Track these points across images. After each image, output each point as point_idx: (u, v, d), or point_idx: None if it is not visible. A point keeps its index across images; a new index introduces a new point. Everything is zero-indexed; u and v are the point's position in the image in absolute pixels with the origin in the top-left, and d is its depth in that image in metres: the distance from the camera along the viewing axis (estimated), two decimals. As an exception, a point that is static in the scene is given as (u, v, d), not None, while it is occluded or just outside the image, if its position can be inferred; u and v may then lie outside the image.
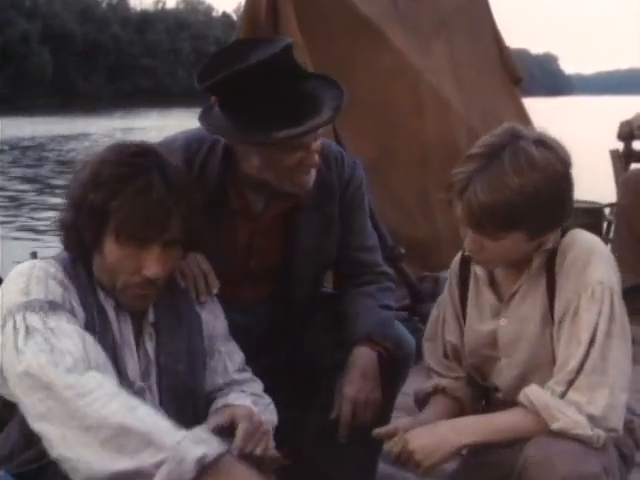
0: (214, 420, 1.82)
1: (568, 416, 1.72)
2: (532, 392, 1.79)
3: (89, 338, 1.62)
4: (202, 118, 2.09)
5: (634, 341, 1.85)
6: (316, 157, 2.10)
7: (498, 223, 1.76)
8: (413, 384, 2.24)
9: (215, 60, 2.05)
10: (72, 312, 1.67)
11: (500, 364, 1.97)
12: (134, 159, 1.73)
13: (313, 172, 2.14)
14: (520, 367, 1.90)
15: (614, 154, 5.33)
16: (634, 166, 5.10)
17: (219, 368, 1.96)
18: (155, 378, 1.82)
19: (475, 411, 2.07)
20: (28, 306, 1.61)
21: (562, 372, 1.77)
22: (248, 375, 2.01)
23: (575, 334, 1.78)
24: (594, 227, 5.11)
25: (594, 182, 6.76)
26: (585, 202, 5.14)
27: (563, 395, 1.75)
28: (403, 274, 4.08)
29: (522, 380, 1.88)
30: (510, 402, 1.90)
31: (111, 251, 1.72)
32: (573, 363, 1.76)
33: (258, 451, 1.75)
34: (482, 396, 2.15)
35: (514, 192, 1.73)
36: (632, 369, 1.82)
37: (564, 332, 1.81)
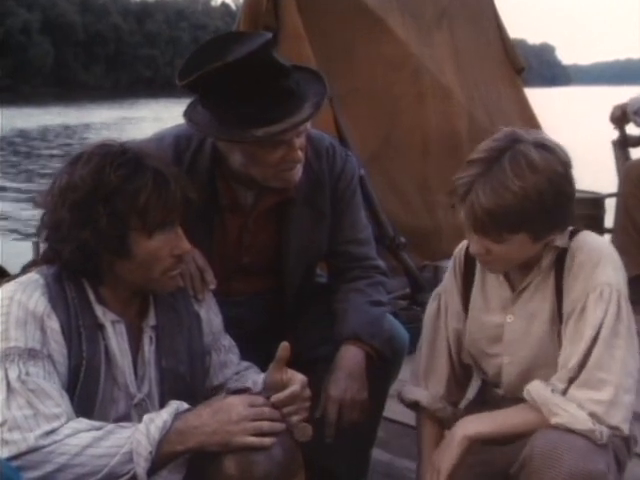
0: (271, 375, 1.83)
1: (568, 412, 1.72)
2: (534, 388, 1.80)
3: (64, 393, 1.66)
4: (186, 113, 2.08)
5: (637, 332, 1.84)
6: (299, 153, 2.08)
7: (502, 226, 1.76)
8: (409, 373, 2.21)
9: (194, 57, 2.01)
10: (50, 357, 1.66)
11: (499, 361, 1.97)
12: (123, 157, 1.72)
13: (298, 167, 2.12)
14: (523, 365, 1.90)
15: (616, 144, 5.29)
16: (634, 155, 5.05)
17: (227, 362, 1.99)
18: (156, 382, 1.83)
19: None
20: (8, 354, 1.62)
21: (564, 369, 1.78)
22: (247, 363, 2.04)
23: (579, 331, 1.78)
24: (595, 217, 5.11)
25: (593, 172, 6.75)
26: (585, 192, 5.12)
27: (565, 392, 1.75)
28: (404, 263, 4.08)
29: (526, 377, 1.87)
30: (510, 399, 1.92)
31: (144, 248, 1.73)
32: (575, 360, 1.76)
33: (294, 419, 1.76)
34: (479, 392, 2.16)
35: (516, 195, 1.72)
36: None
37: (569, 330, 1.81)
